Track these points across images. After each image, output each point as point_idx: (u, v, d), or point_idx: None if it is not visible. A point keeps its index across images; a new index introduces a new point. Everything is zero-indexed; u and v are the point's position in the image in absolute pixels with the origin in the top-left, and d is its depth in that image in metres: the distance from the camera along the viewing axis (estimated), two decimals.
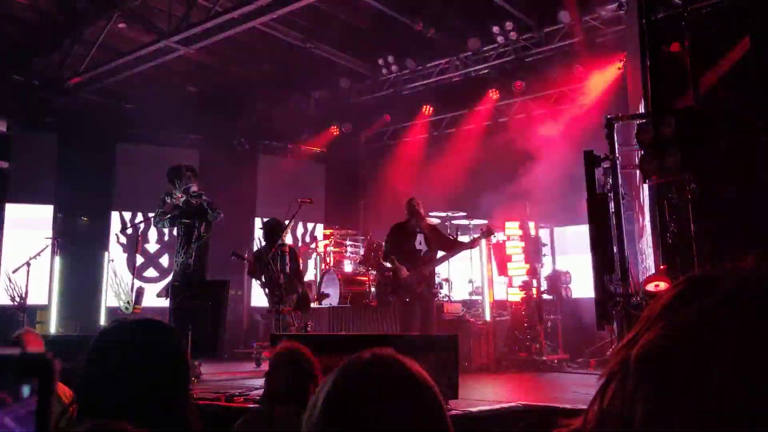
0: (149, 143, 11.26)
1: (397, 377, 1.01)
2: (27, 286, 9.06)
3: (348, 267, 9.93)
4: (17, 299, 9.57)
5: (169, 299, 6.46)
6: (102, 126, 10.96)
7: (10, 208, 10.66)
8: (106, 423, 1.26)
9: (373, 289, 9.14)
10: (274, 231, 7.25)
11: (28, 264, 8.71)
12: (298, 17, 9.04)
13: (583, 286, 9.22)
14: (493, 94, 10.20)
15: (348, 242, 10.21)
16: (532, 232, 8.54)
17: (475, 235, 7.71)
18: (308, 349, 3.36)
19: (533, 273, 8.39)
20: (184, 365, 1.63)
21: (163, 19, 8.59)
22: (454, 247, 7.37)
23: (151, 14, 8.70)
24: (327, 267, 9.87)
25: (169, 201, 6.87)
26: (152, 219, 7.21)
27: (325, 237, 10.30)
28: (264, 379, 3.31)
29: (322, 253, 10.09)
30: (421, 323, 6.79)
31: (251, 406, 4.51)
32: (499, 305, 8.78)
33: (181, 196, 6.88)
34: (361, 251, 10.01)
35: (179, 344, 1.64)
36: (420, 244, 7.14)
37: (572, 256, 9.45)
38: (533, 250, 8.48)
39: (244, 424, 3.25)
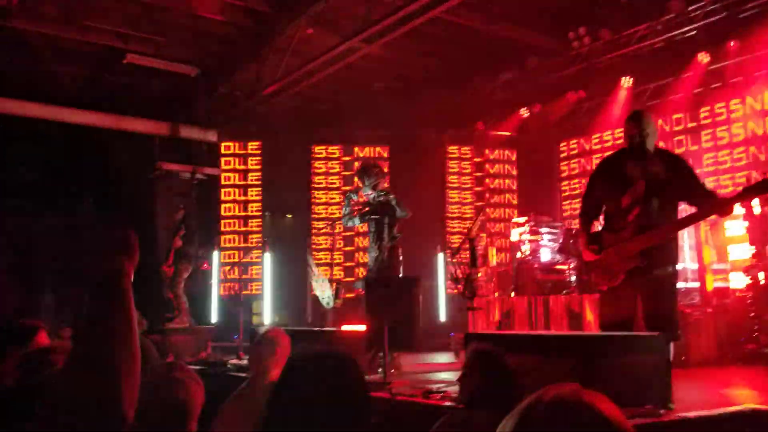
0: (341, 142, 11.74)
1: (583, 425, 0.89)
2: (242, 280, 9.89)
3: (545, 256, 9.49)
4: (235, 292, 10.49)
5: (364, 294, 6.59)
6: (298, 129, 11.66)
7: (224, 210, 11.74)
8: None
9: (573, 278, 8.69)
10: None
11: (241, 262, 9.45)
12: None
13: None
14: (703, 58, 9.14)
15: (544, 230, 9.74)
16: (757, 209, 7.51)
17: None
18: (502, 350, 3.19)
19: (760, 257, 7.39)
20: (366, 397, 1.64)
21: (346, 20, 8.78)
22: (702, 203, 4.31)
23: (335, 17, 8.94)
24: (523, 256, 9.53)
25: (355, 198, 7.03)
26: (343, 218, 7.41)
27: (519, 225, 9.93)
28: (458, 382, 3.23)
29: (517, 242, 9.75)
30: (644, 315, 4.38)
31: (447, 404, 4.41)
32: (719, 293, 7.88)
33: (371, 193, 7.00)
34: (560, 239, 9.53)
35: (362, 376, 1.65)
36: (634, 201, 4.39)
37: None
38: (759, 231, 7.46)
39: (442, 426, 3.17)
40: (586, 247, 4.59)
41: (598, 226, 4.81)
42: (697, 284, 7.95)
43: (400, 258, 7.10)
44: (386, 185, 7.05)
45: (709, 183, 8.45)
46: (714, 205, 4.28)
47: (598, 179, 4.73)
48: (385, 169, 8.32)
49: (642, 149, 4.43)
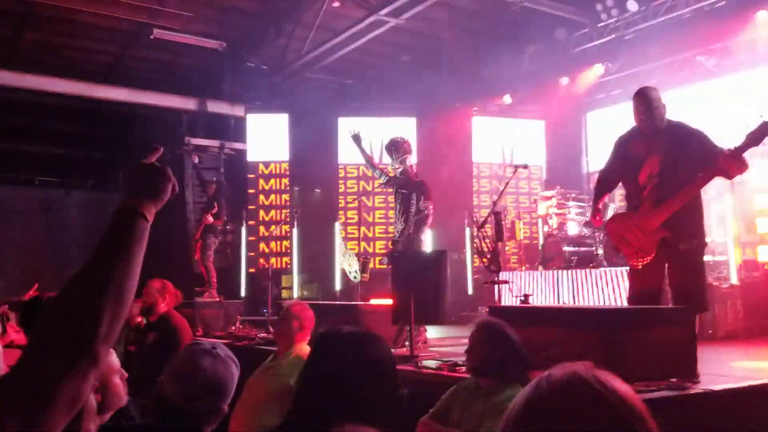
0: (368, 115, 11.70)
1: (595, 403, 0.88)
2: (270, 254, 10.00)
3: (573, 229, 9.45)
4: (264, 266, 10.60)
5: (391, 268, 6.63)
6: (325, 103, 11.62)
7: (251, 184, 11.81)
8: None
9: (600, 251, 8.66)
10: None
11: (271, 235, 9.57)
12: None
13: None
14: (731, 29, 8.94)
15: (571, 203, 9.68)
16: None
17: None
18: (507, 323, 3.30)
19: None
20: (392, 373, 1.68)
21: None
22: (708, 165, 4.21)
23: None
24: (550, 230, 9.50)
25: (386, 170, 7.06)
26: (380, 179, 7.38)
27: (547, 198, 9.88)
28: (465, 353, 3.33)
29: (544, 216, 9.71)
30: (671, 289, 4.45)
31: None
32: (747, 266, 7.80)
33: (398, 167, 7.00)
34: (587, 212, 9.48)
35: (387, 353, 1.70)
36: (650, 176, 4.40)
37: None
38: None
39: (453, 392, 3.37)
40: (593, 214, 4.90)
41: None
42: (724, 257, 7.88)
43: (426, 231, 7.09)
44: (411, 163, 6.99)
45: None
46: (723, 161, 4.13)
47: (614, 159, 4.73)
48: (413, 143, 8.25)
49: (652, 125, 4.41)
